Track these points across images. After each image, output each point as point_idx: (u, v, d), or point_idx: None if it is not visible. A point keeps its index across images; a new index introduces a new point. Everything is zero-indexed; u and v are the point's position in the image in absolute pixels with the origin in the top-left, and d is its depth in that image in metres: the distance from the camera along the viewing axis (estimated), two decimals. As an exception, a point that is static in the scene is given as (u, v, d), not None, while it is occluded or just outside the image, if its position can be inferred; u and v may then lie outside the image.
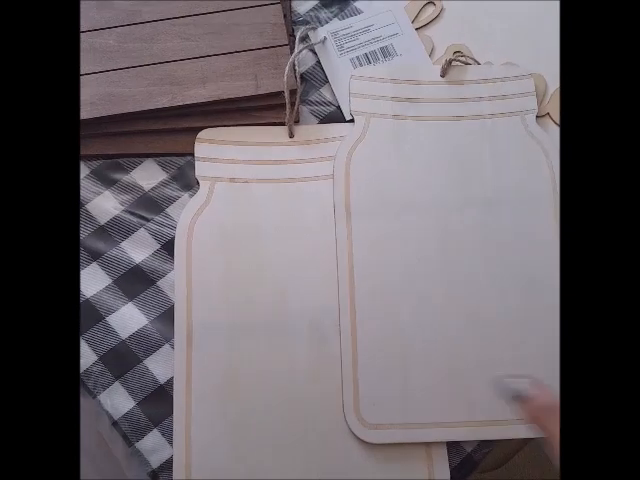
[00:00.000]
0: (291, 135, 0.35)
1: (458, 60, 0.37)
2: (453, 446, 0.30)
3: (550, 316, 0.31)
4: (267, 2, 0.37)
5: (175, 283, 0.32)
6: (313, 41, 0.38)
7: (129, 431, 0.30)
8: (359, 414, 0.30)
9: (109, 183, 0.35)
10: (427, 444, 0.30)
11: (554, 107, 0.37)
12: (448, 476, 0.29)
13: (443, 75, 0.36)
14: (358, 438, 0.30)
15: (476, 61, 0.37)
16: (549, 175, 0.35)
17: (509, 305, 0.32)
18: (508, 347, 0.31)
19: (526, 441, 0.33)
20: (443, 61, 0.36)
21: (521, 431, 0.30)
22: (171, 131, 0.35)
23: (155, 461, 0.30)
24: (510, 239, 0.33)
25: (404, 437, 0.30)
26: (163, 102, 0.34)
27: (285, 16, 0.37)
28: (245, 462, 0.29)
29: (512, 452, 0.38)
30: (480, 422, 0.30)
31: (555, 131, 0.36)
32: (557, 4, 0.38)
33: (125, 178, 0.35)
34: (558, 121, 0.36)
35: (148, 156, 0.36)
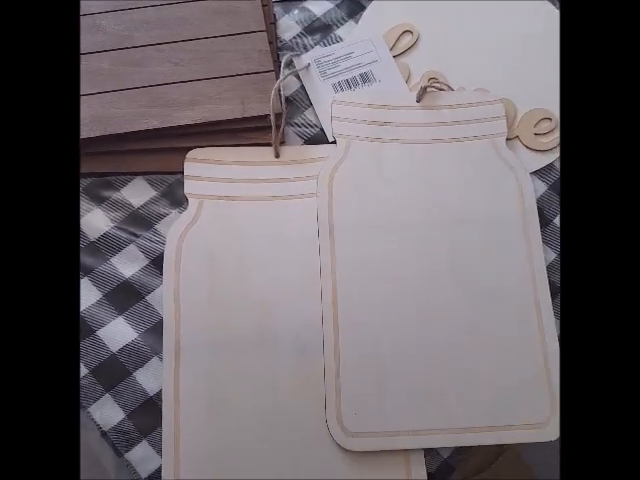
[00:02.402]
0: (277, 155, 0.37)
1: (433, 86, 0.39)
2: (430, 453, 0.32)
3: (517, 324, 0.33)
4: (254, 30, 0.39)
5: (163, 299, 0.33)
6: (297, 67, 0.40)
7: (118, 442, 0.31)
8: (341, 423, 0.31)
9: (99, 200, 0.36)
10: (405, 451, 0.31)
11: (523, 130, 0.39)
12: (425, 480, 0.31)
13: (419, 100, 0.39)
14: (340, 446, 0.31)
15: (450, 87, 0.40)
16: (517, 194, 0.37)
17: (481, 316, 0.34)
18: (482, 357, 0.33)
19: (504, 447, 0.34)
20: (419, 87, 0.39)
21: (495, 438, 0.31)
22: (161, 150, 0.37)
23: (144, 471, 0.31)
24: (480, 256, 0.35)
25: (383, 444, 0.31)
26: (154, 123, 0.36)
27: (271, 43, 0.39)
28: (231, 471, 0.31)
29: (494, 457, 0.39)
30: (456, 429, 0.32)
31: (524, 153, 0.39)
32: (525, 32, 0.42)
33: (115, 195, 0.37)
34: (527, 144, 0.39)
35: (138, 174, 0.37)
